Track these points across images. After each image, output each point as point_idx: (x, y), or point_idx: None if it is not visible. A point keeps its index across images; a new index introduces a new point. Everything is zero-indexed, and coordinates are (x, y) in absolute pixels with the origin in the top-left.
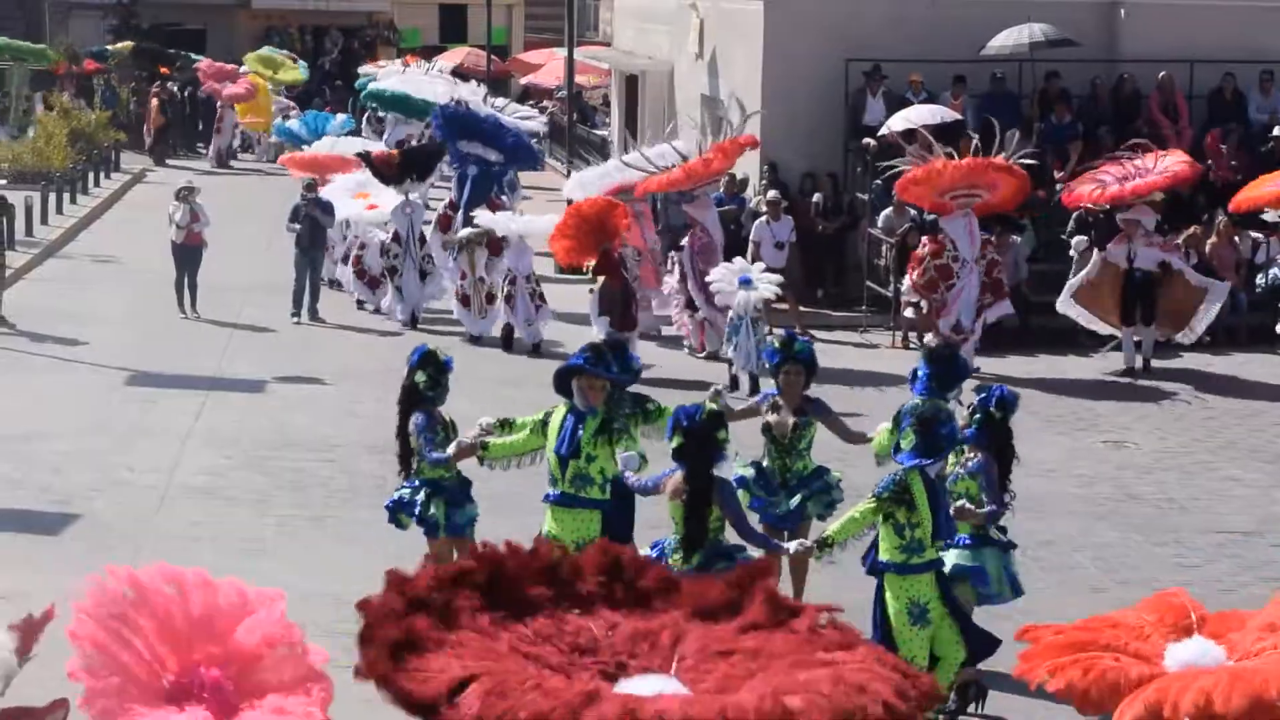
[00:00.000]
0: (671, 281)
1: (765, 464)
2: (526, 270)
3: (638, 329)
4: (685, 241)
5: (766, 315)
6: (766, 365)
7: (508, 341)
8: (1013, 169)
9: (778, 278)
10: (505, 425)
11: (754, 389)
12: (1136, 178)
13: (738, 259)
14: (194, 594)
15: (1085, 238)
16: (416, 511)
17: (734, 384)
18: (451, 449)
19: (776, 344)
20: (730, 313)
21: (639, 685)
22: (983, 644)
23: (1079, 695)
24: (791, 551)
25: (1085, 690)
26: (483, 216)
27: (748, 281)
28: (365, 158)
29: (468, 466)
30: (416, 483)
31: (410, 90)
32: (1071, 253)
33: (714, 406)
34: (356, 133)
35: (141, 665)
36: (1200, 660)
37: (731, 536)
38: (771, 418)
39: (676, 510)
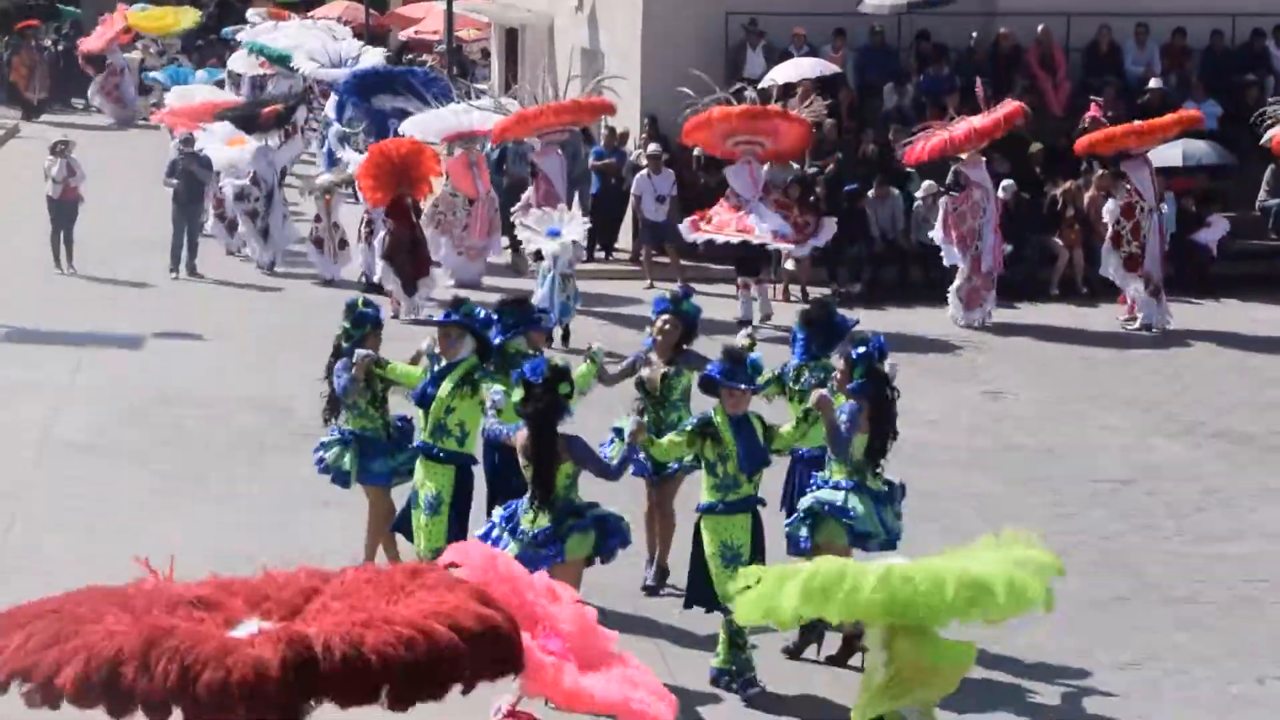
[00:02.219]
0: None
1: (642, 417)
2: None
3: (430, 275)
4: (527, 193)
5: (575, 270)
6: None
7: (370, 289)
8: (791, 116)
9: (581, 232)
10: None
11: (565, 339)
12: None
13: (559, 208)
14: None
15: (932, 182)
16: (324, 461)
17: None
18: (355, 366)
19: (667, 295)
20: (541, 265)
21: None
22: (701, 593)
23: None
24: (627, 431)
25: None
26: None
27: (556, 234)
28: (227, 116)
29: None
30: (337, 433)
31: (290, 47)
32: (919, 199)
33: (558, 362)
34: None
35: None
36: None
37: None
38: (644, 371)
39: (527, 469)
